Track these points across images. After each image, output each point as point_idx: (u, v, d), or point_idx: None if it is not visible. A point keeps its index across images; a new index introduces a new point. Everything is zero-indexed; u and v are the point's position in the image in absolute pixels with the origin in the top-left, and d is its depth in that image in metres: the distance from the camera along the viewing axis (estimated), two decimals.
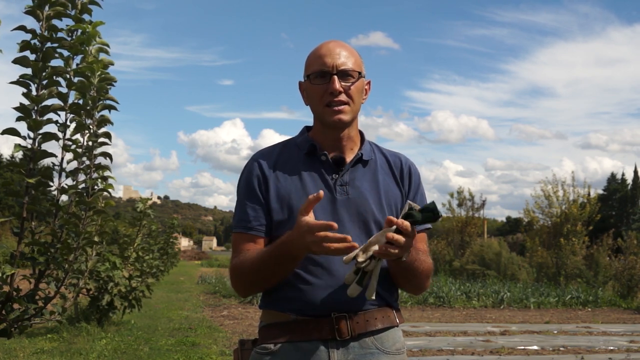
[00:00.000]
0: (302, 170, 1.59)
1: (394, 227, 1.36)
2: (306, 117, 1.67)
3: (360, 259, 1.38)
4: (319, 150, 1.60)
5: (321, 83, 1.56)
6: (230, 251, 1.66)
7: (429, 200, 1.57)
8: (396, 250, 1.35)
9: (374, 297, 1.45)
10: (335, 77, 1.54)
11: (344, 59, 1.57)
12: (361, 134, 1.67)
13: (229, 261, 1.63)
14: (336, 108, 1.54)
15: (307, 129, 1.69)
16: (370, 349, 1.53)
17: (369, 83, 1.67)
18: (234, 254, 1.60)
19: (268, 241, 1.59)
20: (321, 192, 1.37)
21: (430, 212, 1.37)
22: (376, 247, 1.37)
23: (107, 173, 3.39)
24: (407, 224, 1.35)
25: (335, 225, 1.33)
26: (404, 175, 1.67)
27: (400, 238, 1.35)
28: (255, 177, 1.59)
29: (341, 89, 1.54)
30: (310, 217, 1.38)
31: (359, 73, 1.59)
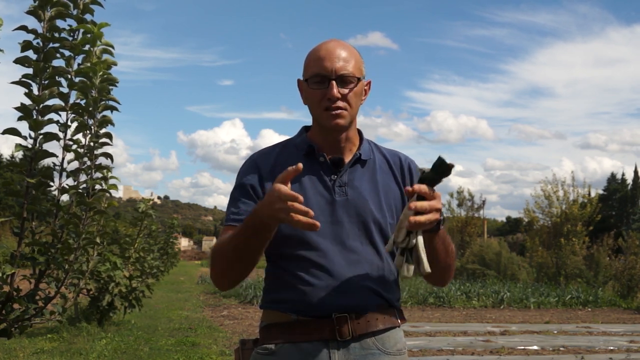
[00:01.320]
0: (301, 172, 1.59)
1: (415, 195, 1.33)
2: (306, 117, 1.67)
3: (399, 240, 1.36)
4: (317, 152, 1.59)
5: (320, 88, 1.54)
6: None
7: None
8: (424, 218, 1.32)
9: (428, 270, 1.39)
10: (334, 82, 1.52)
11: (344, 62, 1.54)
12: (360, 133, 1.66)
13: None
14: (334, 112, 1.53)
15: (305, 129, 1.68)
16: (371, 350, 1.53)
17: (369, 83, 1.65)
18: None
19: None
20: (300, 165, 1.34)
21: (440, 167, 1.32)
22: (407, 223, 1.34)
23: (110, 174, 3.39)
24: (423, 187, 1.32)
25: (301, 198, 1.30)
26: (404, 174, 1.66)
27: (423, 204, 1.32)
28: (253, 177, 1.59)
29: (339, 95, 1.52)
30: (284, 186, 1.33)
31: (358, 78, 1.56)
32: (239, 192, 1.59)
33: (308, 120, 1.69)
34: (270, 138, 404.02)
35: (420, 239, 1.38)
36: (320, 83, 1.53)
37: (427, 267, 1.38)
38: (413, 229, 1.35)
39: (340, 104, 1.53)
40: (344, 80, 1.53)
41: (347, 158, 1.61)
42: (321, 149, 1.60)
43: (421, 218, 1.32)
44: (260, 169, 1.59)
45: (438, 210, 1.35)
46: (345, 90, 1.54)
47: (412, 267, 1.38)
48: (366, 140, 1.66)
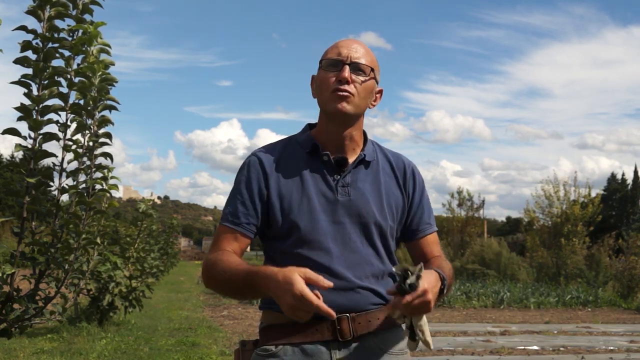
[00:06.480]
0: (304, 170, 1.57)
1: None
2: (302, 117, 1.68)
3: (394, 317, 1.43)
4: (321, 150, 1.58)
5: (332, 71, 1.55)
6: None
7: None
8: (411, 311, 1.37)
9: (431, 348, 1.46)
10: (347, 67, 1.53)
11: (360, 54, 1.56)
12: (364, 134, 1.66)
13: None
14: (340, 94, 1.53)
15: (310, 126, 1.68)
16: (372, 350, 1.53)
17: (380, 91, 1.65)
18: (213, 246, 1.55)
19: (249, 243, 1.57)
20: (331, 284, 1.32)
21: (405, 289, 1.33)
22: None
23: (110, 174, 3.38)
24: (405, 300, 1.34)
25: (323, 307, 1.29)
26: (407, 179, 1.66)
27: (409, 305, 1.35)
28: (255, 173, 1.57)
29: (349, 79, 1.53)
30: (306, 290, 1.28)
31: (372, 70, 1.58)
32: (241, 192, 1.57)
33: (304, 121, 1.69)
34: (267, 138, 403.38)
35: (423, 318, 1.42)
36: (334, 66, 1.55)
37: (430, 346, 1.44)
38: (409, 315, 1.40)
39: (349, 87, 1.53)
40: (357, 68, 1.55)
41: (351, 158, 1.60)
42: (325, 148, 1.59)
43: (411, 311, 1.37)
44: (263, 165, 1.58)
45: (427, 302, 1.36)
46: (358, 78, 1.55)
47: (414, 344, 1.45)
48: (370, 142, 1.66)
